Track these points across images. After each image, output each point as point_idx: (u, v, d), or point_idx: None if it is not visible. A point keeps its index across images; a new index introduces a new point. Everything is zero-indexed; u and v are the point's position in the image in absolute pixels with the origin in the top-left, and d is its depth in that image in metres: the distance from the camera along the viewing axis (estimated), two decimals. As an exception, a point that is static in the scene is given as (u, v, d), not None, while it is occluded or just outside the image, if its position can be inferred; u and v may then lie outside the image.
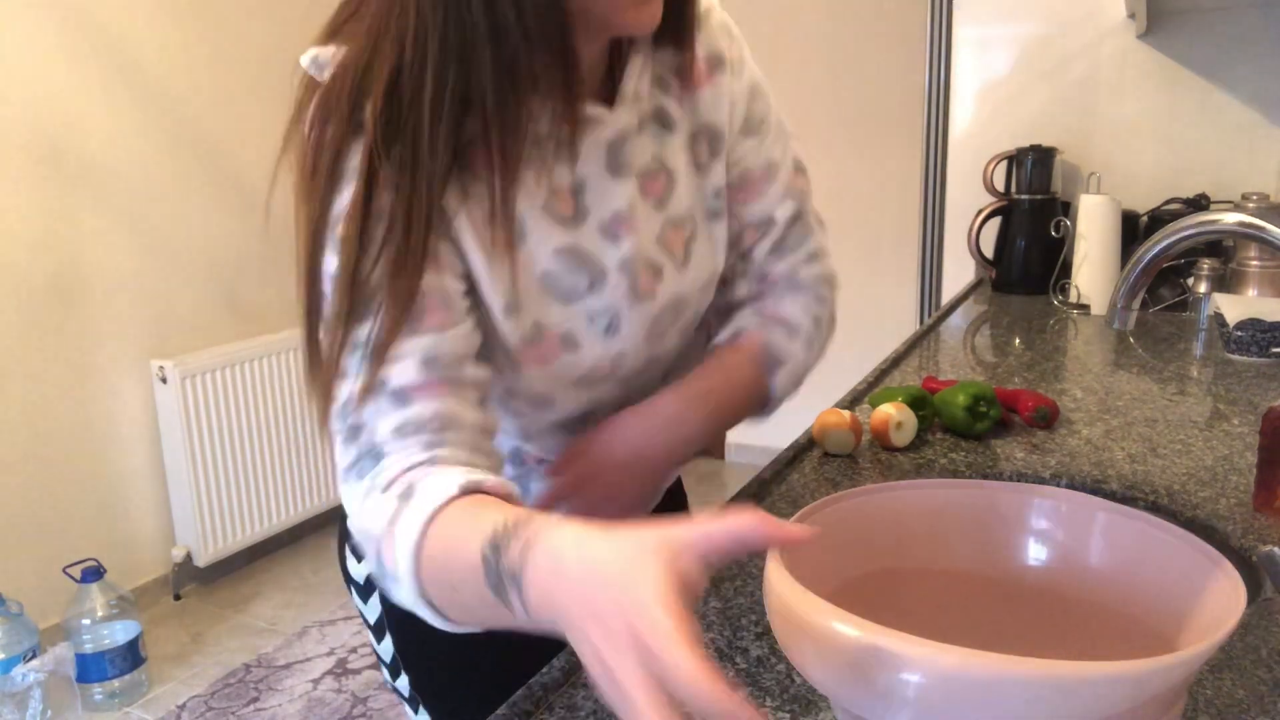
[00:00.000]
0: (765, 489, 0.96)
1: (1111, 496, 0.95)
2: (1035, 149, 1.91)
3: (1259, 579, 0.78)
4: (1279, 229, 0.69)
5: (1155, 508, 0.93)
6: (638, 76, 0.71)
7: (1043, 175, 1.91)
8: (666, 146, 0.74)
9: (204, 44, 2.71)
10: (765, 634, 0.70)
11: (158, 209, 2.63)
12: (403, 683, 0.89)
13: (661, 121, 0.74)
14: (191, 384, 2.61)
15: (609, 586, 0.44)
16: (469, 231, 0.65)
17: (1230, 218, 0.71)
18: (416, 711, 0.90)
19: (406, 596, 0.59)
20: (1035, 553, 0.63)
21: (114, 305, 2.54)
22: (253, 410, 2.80)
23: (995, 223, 2.00)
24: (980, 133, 2.08)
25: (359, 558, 0.86)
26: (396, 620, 0.86)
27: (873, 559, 0.62)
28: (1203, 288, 1.69)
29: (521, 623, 0.51)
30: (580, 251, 0.70)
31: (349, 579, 0.90)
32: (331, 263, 0.62)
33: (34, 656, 2.07)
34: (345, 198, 0.62)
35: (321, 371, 0.62)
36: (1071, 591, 0.61)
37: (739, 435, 3.57)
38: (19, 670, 1.99)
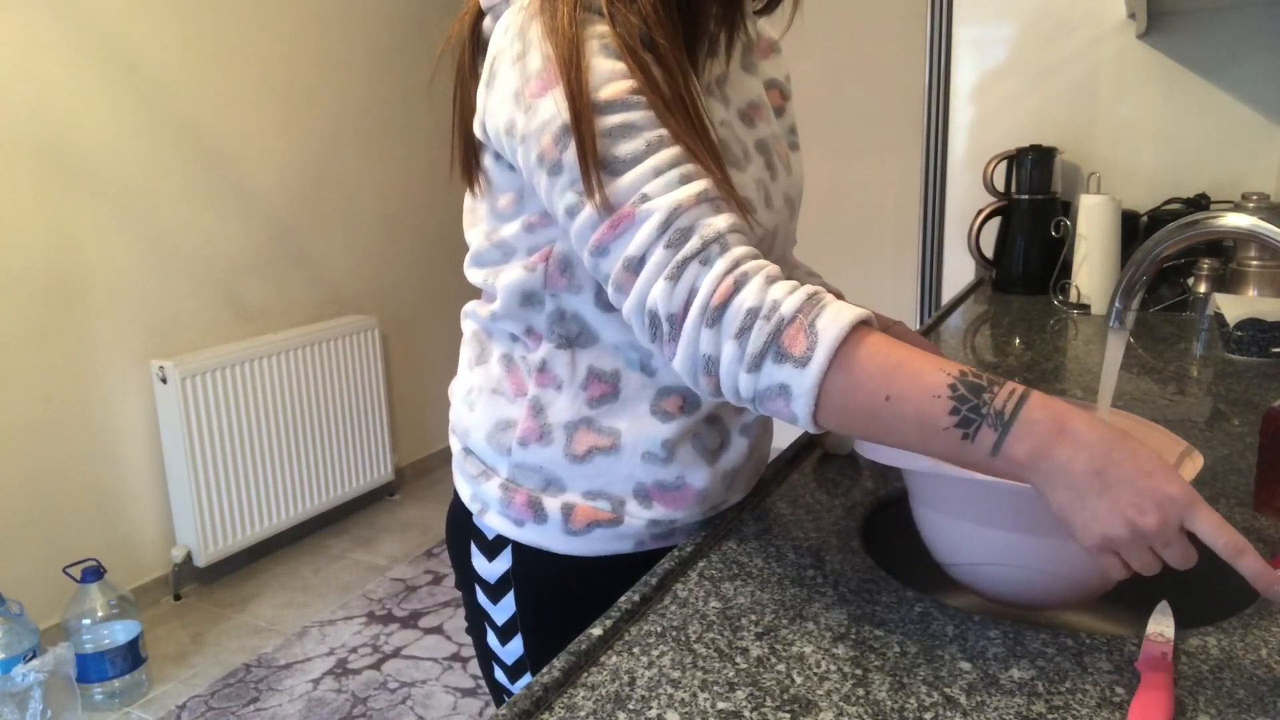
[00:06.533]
0: (765, 489, 0.96)
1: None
2: (1035, 149, 1.91)
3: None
4: (1279, 229, 0.69)
5: (1155, 508, 0.93)
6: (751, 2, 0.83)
7: (1043, 175, 1.91)
8: (756, 85, 0.86)
9: (205, 44, 2.71)
10: (765, 634, 0.70)
11: (158, 209, 2.63)
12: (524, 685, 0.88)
13: (753, 66, 0.87)
14: (191, 384, 2.61)
15: (1141, 450, 0.57)
16: None
17: (1230, 218, 0.71)
18: None
19: (803, 381, 0.63)
20: None
21: (114, 305, 2.54)
22: (253, 410, 2.80)
23: (995, 223, 2.00)
24: (980, 133, 2.08)
25: (489, 557, 0.87)
26: (533, 620, 0.86)
27: None
28: (1203, 288, 1.69)
29: (959, 452, 0.60)
30: (731, 130, 0.79)
31: (476, 579, 0.88)
32: (619, 117, 0.68)
33: (34, 656, 2.07)
34: (608, 62, 0.68)
35: (606, 196, 0.68)
36: None
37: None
38: (19, 670, 1.99)
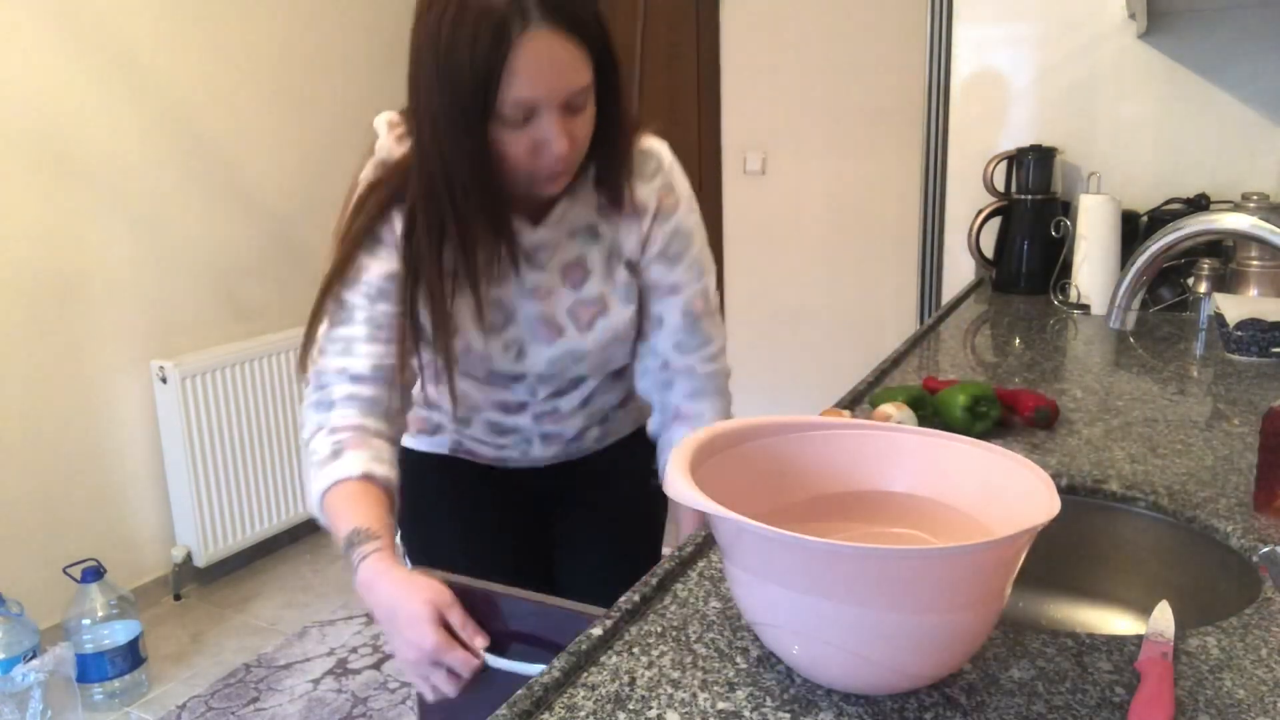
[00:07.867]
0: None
1: (1111, 496, 0.96)
2: (1035, 149, 1.91)
3: (1259, 579, 0.78)
4: (1279, 229, 0.69)
5: (1155, 508, 0.93)
6: (564, 209, 1.04)
7: (1043, 175, 1.91)
8: (590, 250, 1.07)
9: (205, 44, 2.71)
10: (765, 634, 0.70)
11: (158, 209, 2.62)
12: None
13: (591, 233, 1.07)
14: (191, 384, 2.61)
15: (403, 606, 0.86)
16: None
17: (1230, 218, 0.71)
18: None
19: (311, 497, 0.98)
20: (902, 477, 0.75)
21: (114, 305, 2.54)
22: (253, 410, 2.80)
23: (995, 223, 2.00)
24: (980, 133, 2.08)
25: None
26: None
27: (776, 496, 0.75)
28: (1203, 288, 1.69)
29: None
30: (503, 304, 1.05)
31: None
32: (344, 293, 1.01)
33: (34, 656, 2.07)
34: (370, 261, 1.00)
35: (306, 344, 1.04)
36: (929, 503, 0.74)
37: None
38: (19, 670, 1.99)
